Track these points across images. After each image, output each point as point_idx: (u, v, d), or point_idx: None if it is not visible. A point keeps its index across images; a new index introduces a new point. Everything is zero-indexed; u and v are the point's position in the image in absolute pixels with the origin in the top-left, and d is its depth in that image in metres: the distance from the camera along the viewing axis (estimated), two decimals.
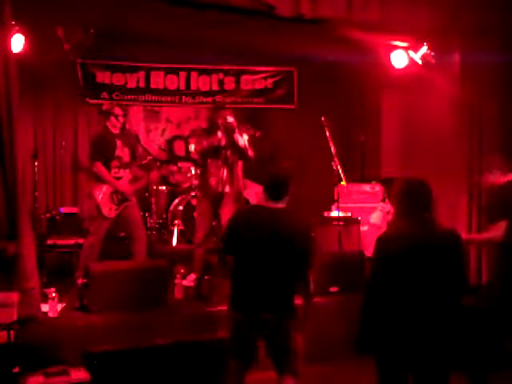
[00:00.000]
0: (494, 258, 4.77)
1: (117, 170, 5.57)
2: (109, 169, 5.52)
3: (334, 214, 6.20)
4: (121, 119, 5.67)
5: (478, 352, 4.06)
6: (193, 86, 8.29)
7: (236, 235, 3.49)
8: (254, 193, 5.72)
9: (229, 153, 5.47)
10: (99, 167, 5.48)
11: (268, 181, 3.48)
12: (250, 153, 5.49)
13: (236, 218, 3.59)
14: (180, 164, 7.61)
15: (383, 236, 3.11)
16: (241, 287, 3.50)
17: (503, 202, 4.37)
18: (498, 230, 4.27)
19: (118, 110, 5.67)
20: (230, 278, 3.57)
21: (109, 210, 5.48)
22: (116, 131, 5.65)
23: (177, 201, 7.21)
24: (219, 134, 5.47)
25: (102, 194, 5.46)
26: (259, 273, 3.40)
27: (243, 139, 5.44)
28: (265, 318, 3.40)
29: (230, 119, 5.43)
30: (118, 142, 5.61)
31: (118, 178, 5.57)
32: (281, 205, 3.45)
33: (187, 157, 7.80)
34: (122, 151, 5.64)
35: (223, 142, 5.48)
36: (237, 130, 5.43)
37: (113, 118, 5.61)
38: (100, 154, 5.50)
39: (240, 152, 5.47)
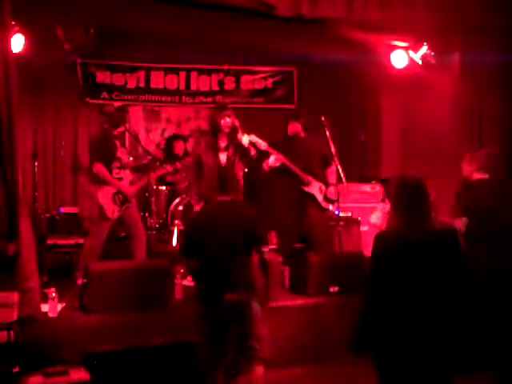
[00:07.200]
0: None
1: (118, 171, 5.54)
2: (110, 170, 5.49)
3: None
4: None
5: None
6: (193, 86, 8.28)
7: (195, 233, 3.86)
8: (318, 187, 5.84)
9: (229, 153, 5.50)
10: (100, 168, 5.44)
11: (216, 176, 3.94)
12: (253, 152, 5.53)
13: (193, 219, 4.11)
14: (178, 164, 7.59)
15: (381, 234, 3.10)
16: (205, 277, 3.79)
17: (467, 199, 4.40)
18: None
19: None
20: (193, 274, 4.00)
21: (112, 212, 5.44)
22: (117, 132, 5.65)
23: (177, 201, 7.19)
24: (220, 135, 5.51)
25: (104, 195, 5.43)
26: (218, 259, 3.70)
27: (246, 139, 5.47)
28: (229, 304, 3.62)
29: (233, 120, 5.46)
30: (118, 143, 5.61)
31: (119, 180, 5.55)
32: (229, 197, 3.84)
33: (186, 156, 7.78)
34: (122, 152, 5.63)
35: (224, 144, 5.52)
36: (240, 130, 5.47)
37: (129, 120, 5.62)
38: (101, 155, 5.47)
39: (243, 152, 5.50)
